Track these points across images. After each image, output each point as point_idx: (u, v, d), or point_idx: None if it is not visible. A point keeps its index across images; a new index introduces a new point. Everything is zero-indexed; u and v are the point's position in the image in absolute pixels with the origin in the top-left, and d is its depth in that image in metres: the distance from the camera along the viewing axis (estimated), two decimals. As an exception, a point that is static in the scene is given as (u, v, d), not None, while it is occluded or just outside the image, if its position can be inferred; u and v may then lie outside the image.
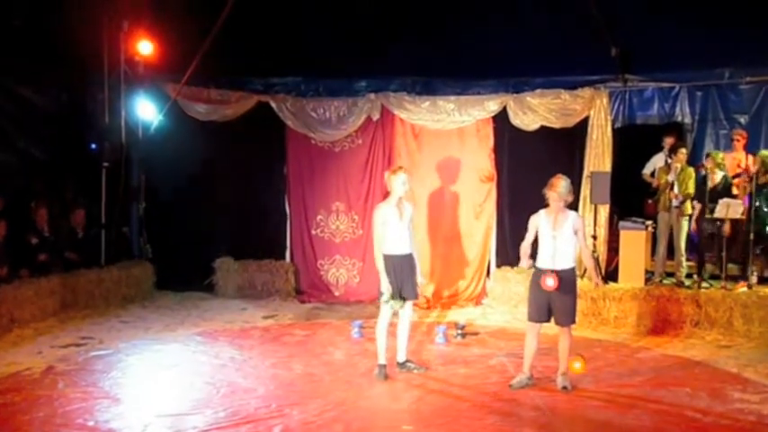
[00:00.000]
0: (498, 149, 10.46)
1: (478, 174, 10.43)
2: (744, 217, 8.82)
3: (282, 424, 5.46)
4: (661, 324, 8.67)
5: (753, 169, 9.00)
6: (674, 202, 9.23)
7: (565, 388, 6.28)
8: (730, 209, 8.76)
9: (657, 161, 10.06)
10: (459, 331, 8.35)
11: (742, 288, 8.78)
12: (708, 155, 9.34)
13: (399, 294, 6.58)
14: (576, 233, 6.27)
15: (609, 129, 9.97)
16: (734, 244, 9.14)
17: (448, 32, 9.84)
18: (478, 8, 9.25)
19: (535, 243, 6.40)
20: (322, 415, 5.67)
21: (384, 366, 6.66)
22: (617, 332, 8.70)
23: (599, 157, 9.95)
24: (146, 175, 11.11)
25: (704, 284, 9.05)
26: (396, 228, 6.60)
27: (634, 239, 9.42)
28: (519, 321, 8.76)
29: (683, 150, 9.34)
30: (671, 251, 9.49)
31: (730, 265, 9.10)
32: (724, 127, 10.06)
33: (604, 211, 9.92)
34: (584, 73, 10.06)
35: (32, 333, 8.22)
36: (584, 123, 10.04)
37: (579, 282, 6.93)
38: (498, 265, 10.47)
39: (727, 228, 8.96)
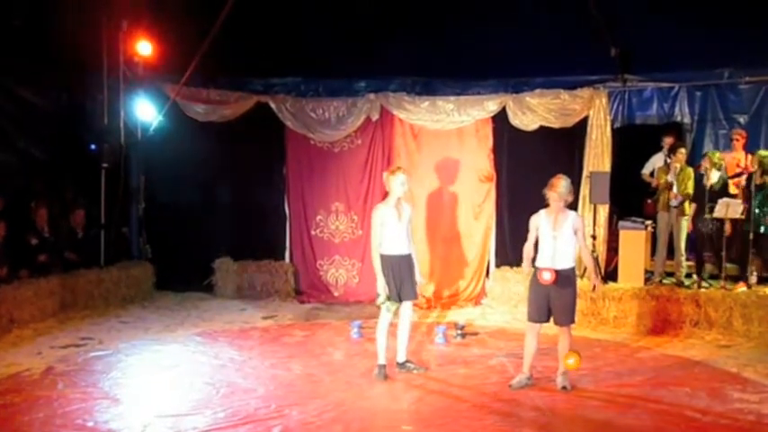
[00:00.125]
0: (497, 149, 10.47)
1: (478, 174, 10.43)
2: (743, 216, 8.82)
3: (282, 424, 5.46)
4: (661, 324, 8.67)
5: (751, 169, 9.01)
6: (674, 202, 9.24)
7: (564, 388, 6.29)
8: (730, 208, 8.76)
9: (657, 161, 10.07)
10: (459, 331, 8.34)
11: (741, 288, 8.79)
12: (705, 155, 9.35)
13: (398, 295, 6.58)
14: (575, 233, 6.27)
15: (608, 129, 9.98)
16: (732, 244, 9.14)
17: (447, 32, 9.84)
18: (478, 8, 9.25)
19: (536, 243, 6.40)
20: (321, 415, 5.66)
21: (384, 367, 6.66)
22: (616, 332, 8.71)
23: (598, 156, 9.95)
24: (145, 175, 11.12)
25: (704, 284, 9.05)
26: (394, 228, 6.59)
27: (634, 239, 9.42)
28: (518, 321, 8.77)
29: (682, 150, 9.35)
30: (671, 251, 9.50)
31: (729, 265, 9.11)
32: (723, 127, 10.07)
33: (604, 210, 9.93)
34: (584, 73, 10.07)
35: (32, 334, 8.22)
36: (583, 123, 10.05)
37: (579, 282, 6.91)
38: (498, 266, 10.48)
39: (728, 227, 8.97)
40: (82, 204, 10.30)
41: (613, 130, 10.01)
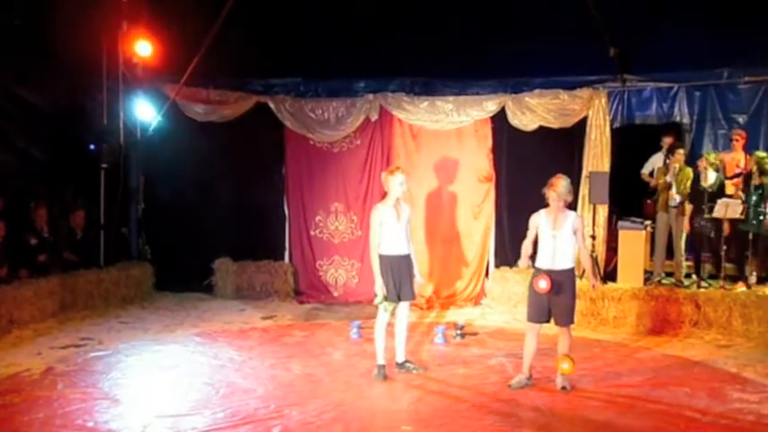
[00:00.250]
0: (497, 150, 10.46)
1: (477, 174, 10.43)
2: (743, 217, 8.82)
3: (281, 424, 5.46)
4: (660, 324, 8.67)
5: (749, 169, 9.03)
6: (672, 203, 9.24)
7: (564, 388, 6.29)
8: (729, 208, 8.76)
9: (656, 161, 10.08)
10: (458, 331, 8.34)
11: (741, 288, 8.79)
12: (701, 155, 9.35)
13: (397, 295, 6.58)
14: (575, 233, 6.28)
15: (607, 129, 9.97)
16: (730, 244, 9.14)
17: (447, 33, 9.85)
18: (478, 8, 9.26)
19: (536, 242, 6.41)
20: (321, 415, 5.67)
21: (383, 367, 6.66)
22: (616, 332, 8.71)
23: (597, 157, 9.95)
24: (144, 176, 11.12)
25: (703, 284, 9.06)
26: (393, 228, 6.59)
27: (633, 239, 9.42)
28: (518, 322, 8.77)
29: (681, 151, 9.35)
30: (670, 251, 9.50)
31: (728, 265, 9.11)
32: (722, 127, 10.07)
33: (603, 211, 9.92)
34: (583, 73, 10.07)
35: (32, 334, 8.22)
36: (582, 123, 10.04)
37: (578, 282, 6.92)
38: (497, 266, 10.47)
39: (726, 227, 8.97)
40: (82, 205, 10.30)
41: (613, 131, 10.01)
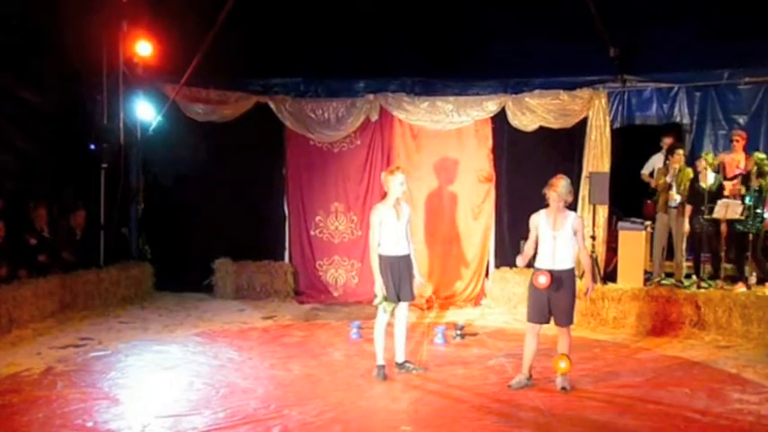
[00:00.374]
0: (497, 150, 10.47)
1: (477, 174, 10.44)
2: (743, 217, 8.82)
3: (281, 425, 5.46)
4: (660, 324, 8.67)
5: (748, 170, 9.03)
6: (672, 203, 9.24)
7: (564, 389, 6.28)
8: (729, 209, 8.76)
9: (656, 161, 10.08)
10: (458, 332, 8.34)
11: (741, 289, 8.79)
12: (699, 156, 9.35)
13: (397, 295, 6.58)
14: (575, 234, 6.28)
15: (607, 129, 9.98)
16: (730, 245, 9.14)
17: (447, 33, 9.85)
18: (478, 8, 9.26)
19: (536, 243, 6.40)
20: (321, 416, 5.66)
21: (383, 367, 6.66)
22: (616, 333, 8.71)
23: (597, 157, 9.96)
24: (144, 175, 11.12)
25: (703, 285, 9.06)
26: (393, 228, 6.59)
27: (633, 240, 9.42)
28: (518, 322, 8.77)
29: (680, 151, 9.36)
30: (670, 252, 9.49)
31: (728, 266, 9.10)
32: (723, 127, 10.08)
33: (603, 211, 9.93)
34: (583, 73, 10.09)
35: (31, 334, 8.21)
36: (582, 124, 10.06)
37: (578, 282, 6.91)
38: (497, 266, 10.48)
39: (724, 228, 8.97)
40: (82, 205, 10.29)
41: (613, 131, 10.02)
